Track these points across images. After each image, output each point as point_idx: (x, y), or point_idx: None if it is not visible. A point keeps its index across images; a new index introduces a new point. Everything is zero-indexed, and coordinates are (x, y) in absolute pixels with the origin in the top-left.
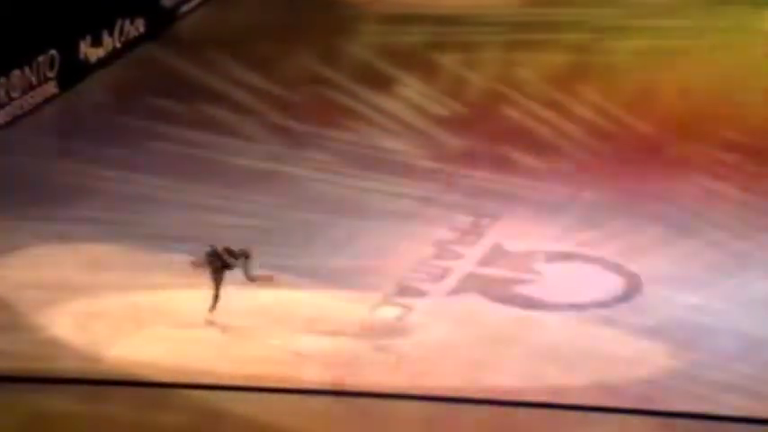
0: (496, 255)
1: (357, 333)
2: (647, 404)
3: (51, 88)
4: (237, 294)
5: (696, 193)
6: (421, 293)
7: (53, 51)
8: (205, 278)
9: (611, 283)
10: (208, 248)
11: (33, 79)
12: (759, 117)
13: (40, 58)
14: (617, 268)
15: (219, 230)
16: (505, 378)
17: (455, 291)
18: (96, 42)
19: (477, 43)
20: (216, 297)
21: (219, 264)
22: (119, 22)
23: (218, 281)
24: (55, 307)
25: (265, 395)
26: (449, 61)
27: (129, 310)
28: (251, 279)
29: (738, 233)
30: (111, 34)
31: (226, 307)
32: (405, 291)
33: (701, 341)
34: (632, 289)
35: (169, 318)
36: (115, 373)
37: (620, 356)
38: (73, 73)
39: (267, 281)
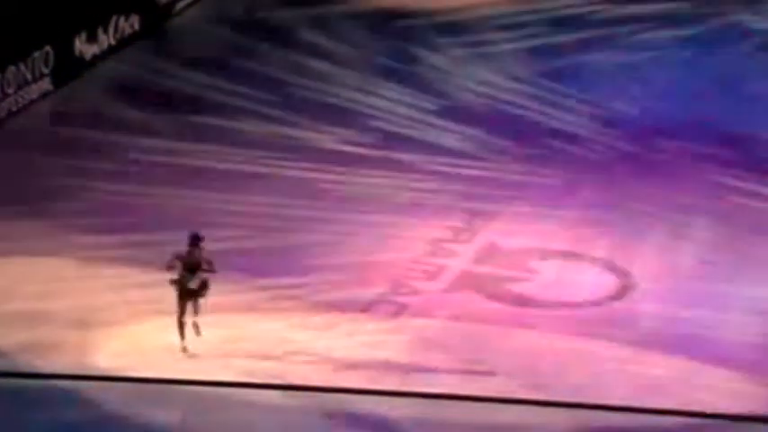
0: (491, 253)
1: (350, 331)
2: (637, 402)
3: (46, 84)
4: (229, 290)
5: (695, 190)
6: (415, 291)
7: (48, 47)
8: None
9: (605, 282)
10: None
11: (28, 75)
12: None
13: (36, 54)
14: (611, 267)
15: (216, 230)
16: (498, 376)
17: (449, 289)
18: (91, 39)
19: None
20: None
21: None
22: (114, 19)
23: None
24: (51, 300)
25: (258, 392)
26: (435, 60)
27: (123, 305)
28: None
29: (736, 235)
30: (105, 31)
31: (221, 303)
32: (399, 288)
33: (693, 342)
34: (626, 288)
35: (164, 313)
36: (109, 370)
37: (613, 355)
38: (68, 69)
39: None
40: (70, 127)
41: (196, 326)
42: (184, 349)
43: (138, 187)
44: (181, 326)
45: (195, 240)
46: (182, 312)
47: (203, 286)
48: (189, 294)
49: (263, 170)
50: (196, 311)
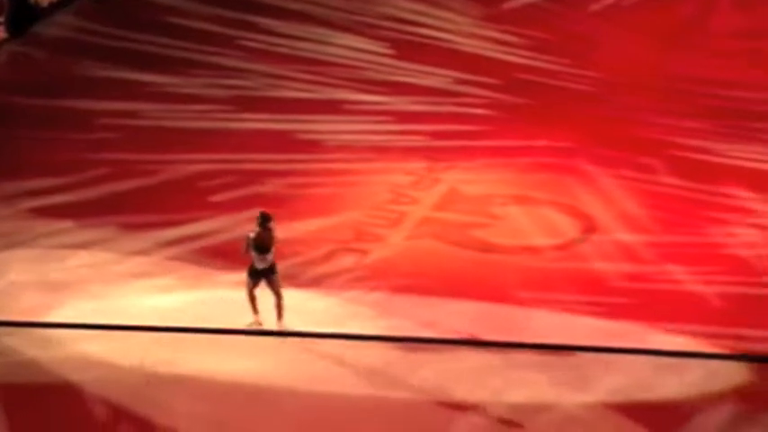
0: (453, 199)
1: (315, 278)
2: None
3: (1, 33)
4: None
5: (651, 138)
6: (377, 238)
7: None
8: None
9: (567, 226)
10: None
11: None
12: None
13: None
14: (574, 212)
15: (174, 185)
16: (462, 321)
17: (411, 236)
18: None
19: None
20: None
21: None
22: None
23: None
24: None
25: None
26: (390, 11)
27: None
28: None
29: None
30: None
31: (179, 254)
32: (361, 236)
33: (655, 288)
34: (588, 232)
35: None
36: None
37: (576, 298)
38: (23, 17)
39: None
40: (22, 92)
41: (279, 308)
42: (259, 324)
43: (107, 152)
44: (252, 300)
45: (264, 220)
46: (251, 288)
47: (272, 268)
48: (257, 274)
49: (221, 125)
50: (278, 296)
